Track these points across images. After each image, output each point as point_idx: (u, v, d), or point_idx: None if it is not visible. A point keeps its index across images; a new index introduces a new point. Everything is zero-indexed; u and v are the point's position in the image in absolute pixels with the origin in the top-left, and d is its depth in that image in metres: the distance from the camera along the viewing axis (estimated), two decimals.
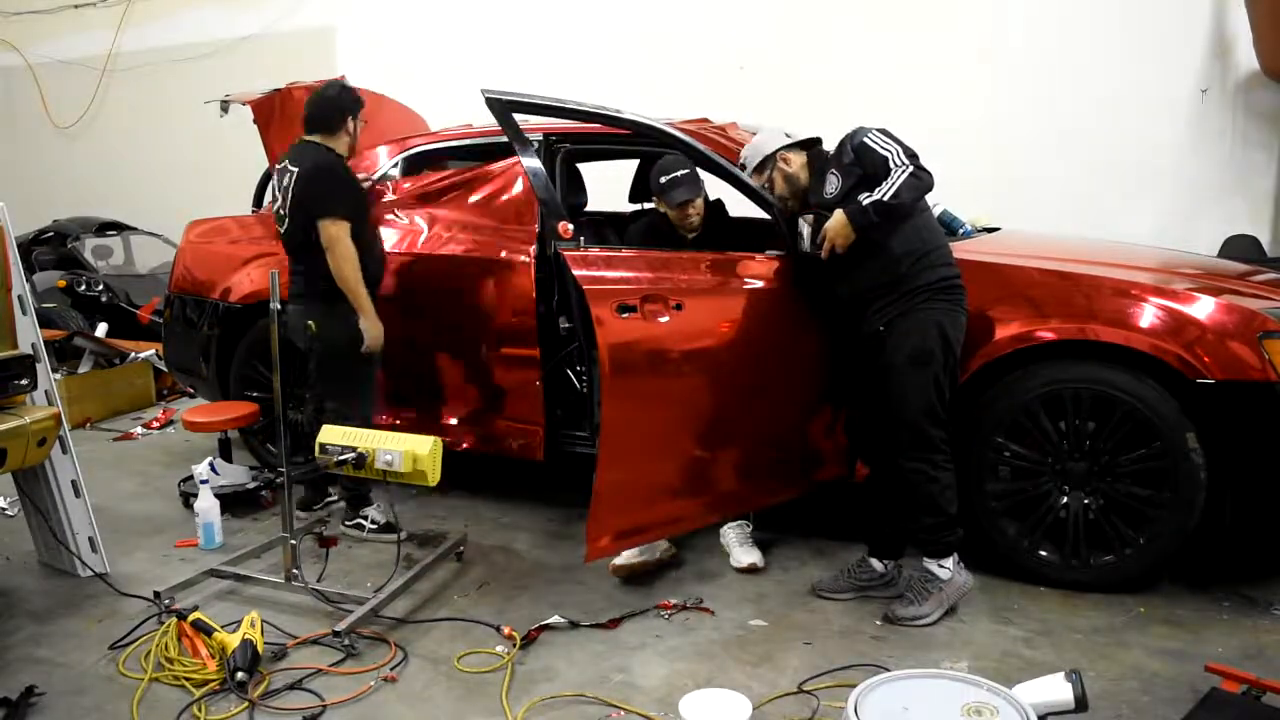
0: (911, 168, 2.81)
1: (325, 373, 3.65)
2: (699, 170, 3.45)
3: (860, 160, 2.90)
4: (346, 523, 3.75)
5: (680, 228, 3.50)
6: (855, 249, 2.89)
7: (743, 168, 3.24)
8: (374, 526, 3.72)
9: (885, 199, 2.79)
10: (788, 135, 3.17)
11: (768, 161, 3.15)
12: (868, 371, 3.01)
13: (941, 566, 2.95)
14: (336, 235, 3.43)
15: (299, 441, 3.94)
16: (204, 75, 8.10)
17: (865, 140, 2.90)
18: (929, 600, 2.94)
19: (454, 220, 3.94)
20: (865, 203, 2.81)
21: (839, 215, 2.87)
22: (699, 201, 3.47)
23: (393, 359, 4.02)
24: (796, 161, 3.12)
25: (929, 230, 2.95)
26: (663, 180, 3.41)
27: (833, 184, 2.97)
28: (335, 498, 3.94)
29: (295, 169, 3.51)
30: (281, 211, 3.58)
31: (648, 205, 3.85)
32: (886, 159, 2.85)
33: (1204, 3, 5.63)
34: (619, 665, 2.73)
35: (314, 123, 3.56)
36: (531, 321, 3.70)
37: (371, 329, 3.54)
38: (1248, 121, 5.66)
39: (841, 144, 2.98)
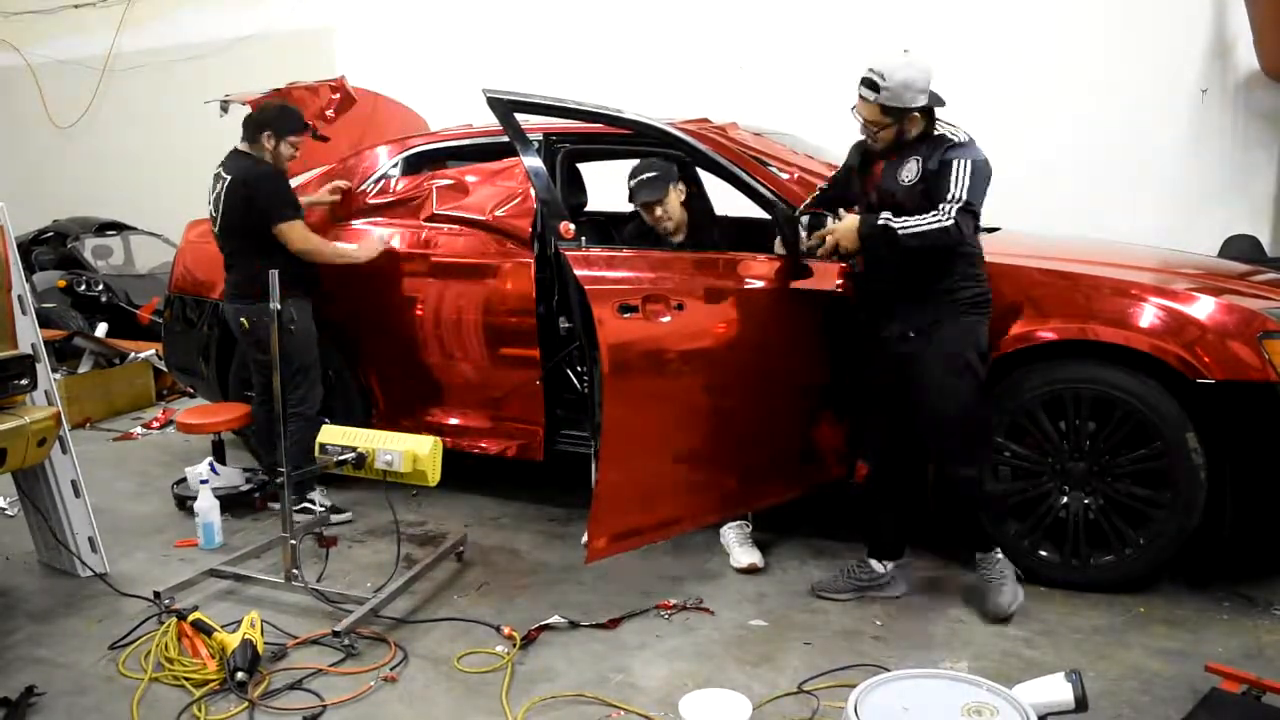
0: (950, 223, 2.68)
1: (260, 368, 3.81)
2: (678, 170, 3.52)
3: (937, 173, 2.75)
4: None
5: (654, 229, 3.56)
6: (889, 255, 2.85)
7: (873, 85, 2.75)
8: (322, 509, 3.79)
9: (900, 233, 2.73)
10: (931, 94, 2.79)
11: (898, 113, 2.77)
12: (888, 374, 2.99)
13: (993, 550, 2.99)
14: (301, 234, 3.68)
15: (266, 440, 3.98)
16: (204, 75, 8.09)
17: (954, 162, 2.73)
18: (1009, 581, 2.96)
19: (454, 220, 3.94)
20: (885, 223, 2.76)
21: (852, 221, 2.85)
22: (668, 203, 3.50)
23: (393, 359, 4.03)
24: (913, 123, 2.82)
25: (969, 250, 2.89)
26: (630, 183, 3.52)
27: (910, 172, 2.81)
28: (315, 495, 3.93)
29: (228, 176, 3.68)
30: (215, 214, 3.76)
31: None
32: (946, 194, 2.71)
33: (1204, 3, 5.63)
34: (619, 665, 2.73)
35: (243, 129, 3.77)
36: (531, 321, 3.70)
37: (363, 250, 3.83)
38: (1248, 121, 5.65)
39: (942, 142, 2.79)
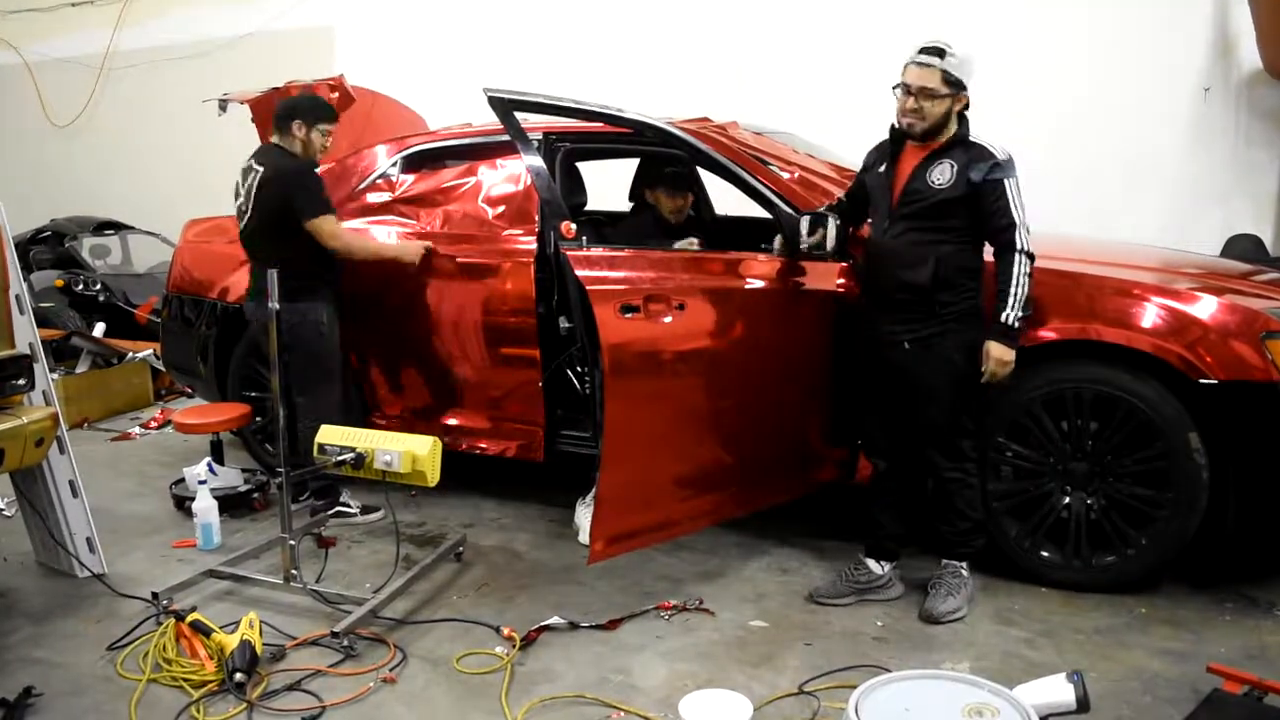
0: (1029, 259, 2.76)
1: (291, 368, 3.66)
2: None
3: (980, 190, 2.76)
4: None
5: (673, 215, 3.86)
6: (898, 258, 2.86)
7: (939, 52, 2.80)
8: (354, 509, 3.82)
9: (1024, 312, 2.76)
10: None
11: (957, 85, 2.79)
12: (885, 375, 3.00)
13: (963, 567, 3.02)
14: (332, 231, 3.59)
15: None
16: (202, 74, 8.08)
17: (1004, 182, 2.76)
18: (961, 594, 2.97)
19: (453, 220, 3.93)
20: (1008, 322, 2.76)
21: (999, 349, 2.79)
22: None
23: (392, 359, 4.02)
24: (959, 102, 2.84)
25: (976, 267, 2.94)
26: (667, 170, 3.79)
27: (944, 175, 2.81)
28: (308, 494, 3.89)
29: (259, 169, 3.62)
30: (245, 208, 3.67)
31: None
32: (1008, 219, 2.74)
33: (1206, 2, 5.62)
34: (619, 666, 2.72)
35: (274, 123, 3.69)
36: (531, 321, 3.69)
37: (408, 249, 3.76)
38: (1250, 120, 5.65)
39: (984, 155, 2.79)
